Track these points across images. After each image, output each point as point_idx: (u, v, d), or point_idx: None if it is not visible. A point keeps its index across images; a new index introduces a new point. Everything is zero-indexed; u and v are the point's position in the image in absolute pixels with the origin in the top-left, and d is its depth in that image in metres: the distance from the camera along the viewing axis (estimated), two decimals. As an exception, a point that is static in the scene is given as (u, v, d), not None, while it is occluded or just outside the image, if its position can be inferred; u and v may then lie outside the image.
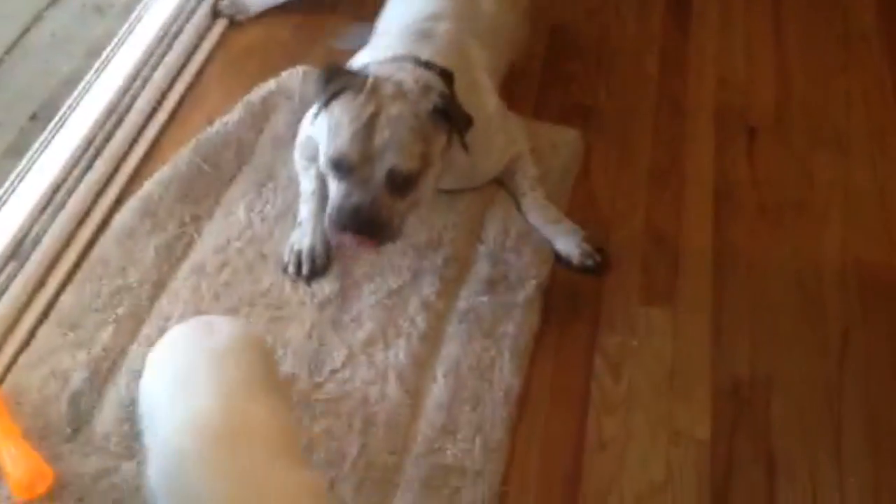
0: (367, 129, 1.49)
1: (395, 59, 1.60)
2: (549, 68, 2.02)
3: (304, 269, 1.61)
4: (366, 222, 1.50)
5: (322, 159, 1.57)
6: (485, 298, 1.59)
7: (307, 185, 1.71)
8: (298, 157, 1.76)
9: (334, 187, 1.54)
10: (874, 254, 1.67)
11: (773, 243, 1.70)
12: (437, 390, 1.47)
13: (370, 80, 1.52)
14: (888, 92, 2.02)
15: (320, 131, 1.59)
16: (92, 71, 1.94)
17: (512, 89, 1.98)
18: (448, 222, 1.72)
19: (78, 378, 1.44)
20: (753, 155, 1.84)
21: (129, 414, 1.38)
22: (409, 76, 1.54)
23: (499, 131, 1.74)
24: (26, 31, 2.13)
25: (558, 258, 1.66)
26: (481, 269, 1.64)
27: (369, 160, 1.49)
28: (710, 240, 1.69)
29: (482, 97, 1.70)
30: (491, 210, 1.74)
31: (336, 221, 1.52)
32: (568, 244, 1.66)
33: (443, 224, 1.71)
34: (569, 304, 1.62)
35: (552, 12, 2.12)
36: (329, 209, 1.54)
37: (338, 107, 1.52)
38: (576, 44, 2.08)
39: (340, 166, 1.51)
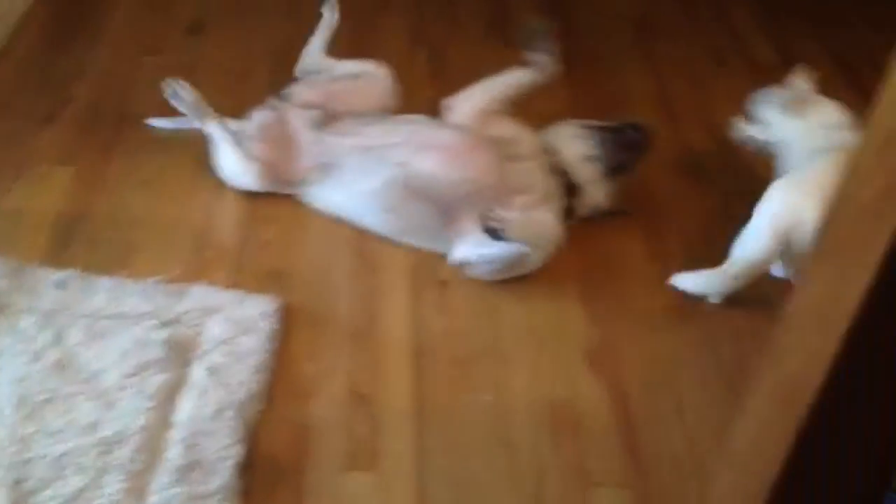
0: None
1: None
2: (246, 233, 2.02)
3: None
4: None
5: None
6: (178, 490, 1.50)
7: None
8: None
9: None
10: (558, 392, 1.75)
11: (467, 391, 1.75)
12: None
13: None
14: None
15: None
16: None
17: (207, 258, 1.96)
18: (138, 407, 1.63)
19: None
20: (445, 307, 1.91)
21: None
22: None
23: None
24: None
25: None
26: (173, 456, 1.55)
27: None
28: (410, 397, 1.71)
29: None
30: (182, 390, 1.67)
31: None
32: None
33: (131, 410, 1.62)
34: (270, 481, 1.56)
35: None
36: None
37: None
38: (272, 210, 2.10)
39: None
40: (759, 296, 1.93)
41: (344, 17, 2.94)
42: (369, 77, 2.26)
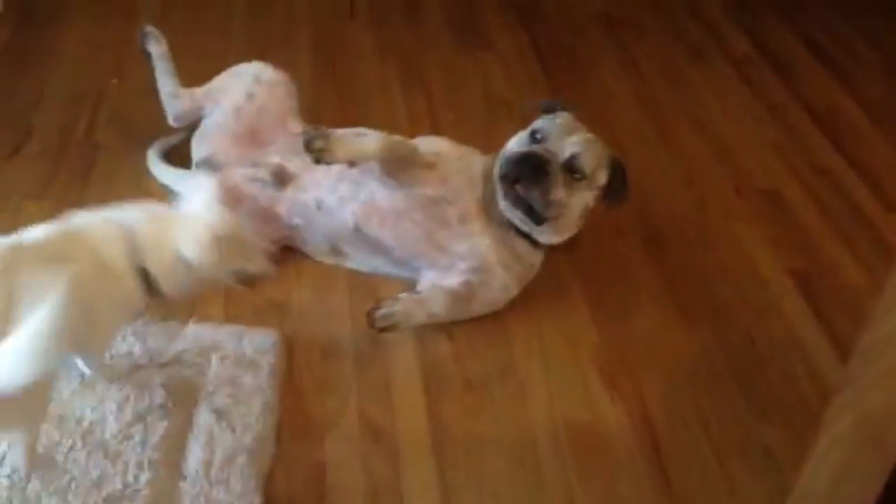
0: None
1: None
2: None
3: None
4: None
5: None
6: (197, 545, 1.42)
7: None
8: None
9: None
10: (579, 413, 1.71)
11: (485, 417, 1.69)
12: None
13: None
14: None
15: None
16: None
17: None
18: (143, 458, 1.54)
19: None
20: (452, 329, 1.85)
21: None
22: None
23: None
24: None
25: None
26: (188, 510, 1.47)
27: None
28: (427, 428, 1.65)
29: None
30: (191, 435, 1.59)
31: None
32: None
33: (136, 462, 1.53)
34: (292, 530, 1.49)
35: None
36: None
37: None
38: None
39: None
40: (767, 298, 1.90)
41: (307, 29, 2.85)
42: (262, 86, 2.02)
